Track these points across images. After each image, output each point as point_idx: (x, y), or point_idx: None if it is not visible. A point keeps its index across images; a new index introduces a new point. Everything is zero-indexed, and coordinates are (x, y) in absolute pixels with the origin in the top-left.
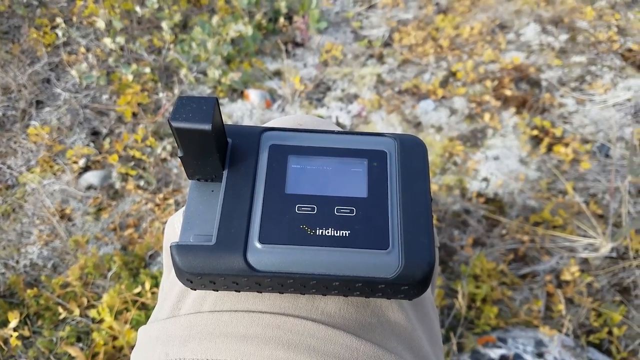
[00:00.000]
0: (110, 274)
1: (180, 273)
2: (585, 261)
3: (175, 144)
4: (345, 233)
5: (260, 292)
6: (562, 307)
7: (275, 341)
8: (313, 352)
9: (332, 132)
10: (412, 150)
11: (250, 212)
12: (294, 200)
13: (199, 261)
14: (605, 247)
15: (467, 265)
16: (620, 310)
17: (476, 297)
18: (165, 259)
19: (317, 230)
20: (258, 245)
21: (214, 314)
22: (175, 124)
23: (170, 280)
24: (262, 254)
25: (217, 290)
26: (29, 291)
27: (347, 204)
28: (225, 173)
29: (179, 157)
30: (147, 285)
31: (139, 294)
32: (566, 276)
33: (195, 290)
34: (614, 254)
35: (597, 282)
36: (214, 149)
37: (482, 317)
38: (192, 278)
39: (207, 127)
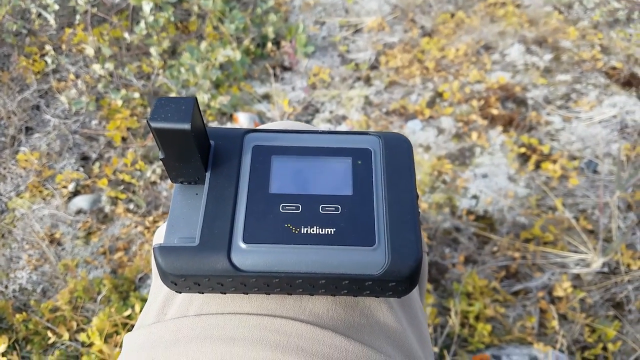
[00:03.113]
0: (100, 297)
1: (164, 275)
2: (577, 277)
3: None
4: (331, 231)
5: (247, 293)
6: (555, 323)
7: (262, 342)
8: (301, 353)
9: (316, 131)
10: (397, 147)
11: (233, 213)
12: (278, 200)
13: (182, 262)
14: (597, 262)
15: (459, 283)
16: (614, 326)
17: (469, 314)
18: (154, 267)
19: (302, 229)
20: (242, 245)
21: (200, 317)
22: (154, 124)
23: (156, 287)
24: (246, 254)
25: (203, 293)
26: (17, 316)
27: (332, 202)
28: (208, 175)
29: (161, 159)
30: (137, 308)
31: (128, 317)
32: (559, 292)
33: (180, 293)
34: (606, 269)
35: (590, 297)
36: (195, 150)
37: (475, 335)
38: (176, 280)
39: (186, 126)
